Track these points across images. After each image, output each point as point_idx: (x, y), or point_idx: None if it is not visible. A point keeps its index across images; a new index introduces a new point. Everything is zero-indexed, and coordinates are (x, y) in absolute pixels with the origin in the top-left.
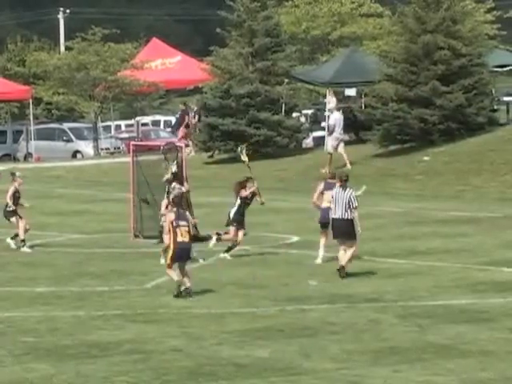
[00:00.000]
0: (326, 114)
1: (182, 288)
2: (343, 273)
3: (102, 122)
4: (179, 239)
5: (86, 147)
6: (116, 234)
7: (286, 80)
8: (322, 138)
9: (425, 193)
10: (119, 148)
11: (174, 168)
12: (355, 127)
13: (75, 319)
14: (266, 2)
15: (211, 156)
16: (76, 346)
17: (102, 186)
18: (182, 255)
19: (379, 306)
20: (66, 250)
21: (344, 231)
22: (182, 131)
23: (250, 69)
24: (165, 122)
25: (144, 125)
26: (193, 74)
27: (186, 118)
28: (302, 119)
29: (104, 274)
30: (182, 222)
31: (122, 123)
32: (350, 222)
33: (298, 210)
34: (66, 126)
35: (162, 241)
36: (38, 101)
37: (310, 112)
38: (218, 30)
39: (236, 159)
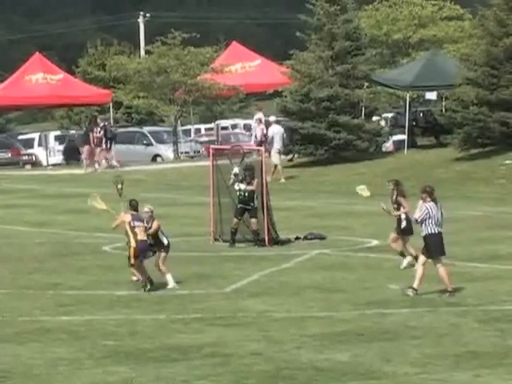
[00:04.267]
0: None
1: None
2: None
3: (182, 125)
4: (139, 237)
5: (166, 151)
6: (196, 238)
7: (366, 83)
8: (403, 142)
9: (506, 197)
10: (199, 152)
11: (235, 170)
12: (436, 131)
13: (155, 322)
14: (346, 6)
15: (291, 159)
16: (156, 349)
17: (181, 189)
18: (142, 251)
19: (460, 310)
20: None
21: (443, 246)
22: (86, 149)
23: (330, 72)
24: (244, 125)
25: (224, 128)
26: (272, 77)
27: (90, 134)
28: (382, 123)
29: (184, 277)
30: (138, 223)
31: (202, 127)
32: None
33: (378, 214)
34: (145, 129)
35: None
36: (118, 104)
37: (390, 115)
38: (298, 33)
39: (315, 162)
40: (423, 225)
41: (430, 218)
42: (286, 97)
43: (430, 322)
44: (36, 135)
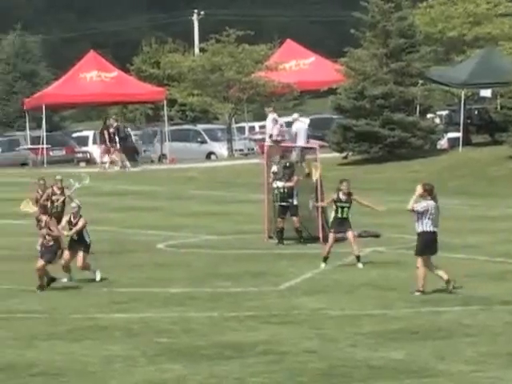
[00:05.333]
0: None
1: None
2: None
3: (236, 123)
4: None
5: (220, 148)
6: (250, 235)
7: (421, 81)
8: (457, 140)
9: None
10: (253, 149)
11: (274, 168)
12: (490, 128)
13: (209, 320)
14: (400, 3)
15: (345, 157)
16: (210, 346)
17: (235, 187)
18: None
19: None
20: (199, 251)
21: (434, 246)
22: (102, 148)
23: (385, 70)
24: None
25: None
26: (327, 75)
27: (105, 133)
28: (437, 120)
29: (238, 275)
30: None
31: (256, 124)
32: None
33: None
34: (200, 127)
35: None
36: (172, 102)
37: (444, 113)
38: (352, 30)
39: (369, 160)
40: (419, 221)
41: (428, 214)
42: (340, 94)
43: (484, 320)
44: (90, 133)
